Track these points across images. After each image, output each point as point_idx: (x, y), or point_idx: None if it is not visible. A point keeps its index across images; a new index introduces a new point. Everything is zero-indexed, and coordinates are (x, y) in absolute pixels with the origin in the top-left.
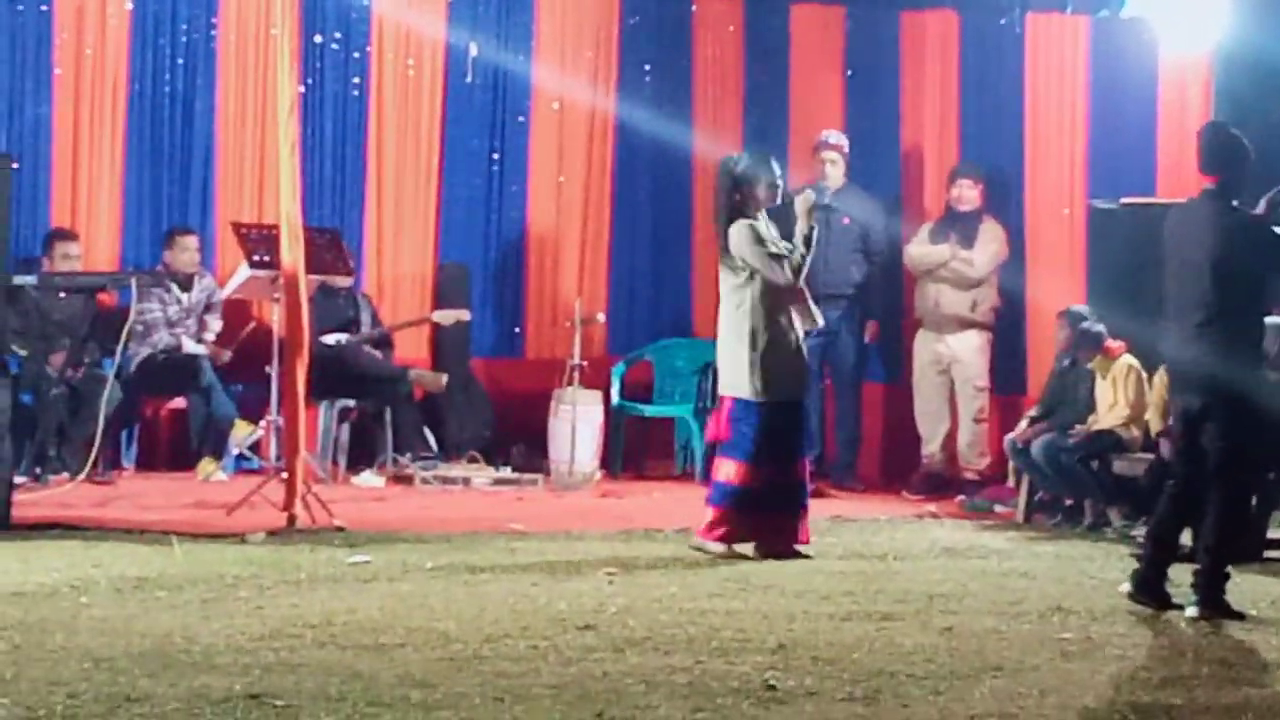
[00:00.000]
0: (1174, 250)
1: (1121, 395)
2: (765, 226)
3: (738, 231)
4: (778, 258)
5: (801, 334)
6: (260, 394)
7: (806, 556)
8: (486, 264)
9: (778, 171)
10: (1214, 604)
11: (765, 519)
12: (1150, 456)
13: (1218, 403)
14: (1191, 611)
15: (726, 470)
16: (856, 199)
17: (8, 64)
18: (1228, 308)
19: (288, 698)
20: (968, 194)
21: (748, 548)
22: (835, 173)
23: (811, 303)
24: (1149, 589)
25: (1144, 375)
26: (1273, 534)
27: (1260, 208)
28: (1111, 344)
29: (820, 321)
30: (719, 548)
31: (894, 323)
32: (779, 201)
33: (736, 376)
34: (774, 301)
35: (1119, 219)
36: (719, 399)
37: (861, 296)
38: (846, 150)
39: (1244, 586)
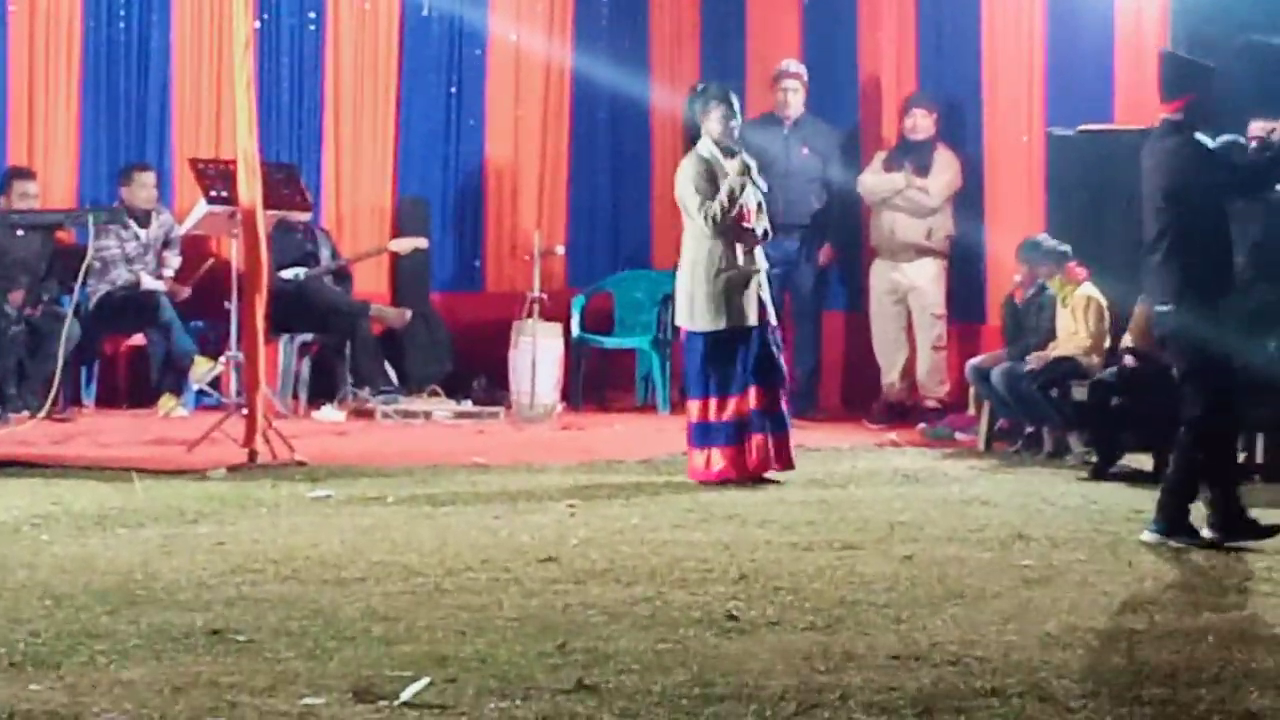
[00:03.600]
0: (1144, 182)
1: (1082, 324)
2: (714, 161)
3: (681, 166)
4: (707, 203)
5: (755, 266)
6: (220, 330)
7: (774, 482)
8: (445, 197)
9: (735, 105)
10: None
11: (733, 446)
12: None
13: (1176, 342)
14: (1148, 536)
15: (690, 409)
16: (815, 129)
17: None
18: (1188, 239)
19: (249, 633)
20: (921, 123)
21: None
22: (795, 101)
23: (756, 250)
24: (1235, 524)
25: (1104, 304)
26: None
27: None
28: (1074, 267)
29: (759, 266)
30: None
31: (852, 252)
32: (735, 136)
33: (680, 306)
34: (718, 233)
35: (1077, 146)
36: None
37: (820, 226)
38: (806, 79)
39: (1204, 512)
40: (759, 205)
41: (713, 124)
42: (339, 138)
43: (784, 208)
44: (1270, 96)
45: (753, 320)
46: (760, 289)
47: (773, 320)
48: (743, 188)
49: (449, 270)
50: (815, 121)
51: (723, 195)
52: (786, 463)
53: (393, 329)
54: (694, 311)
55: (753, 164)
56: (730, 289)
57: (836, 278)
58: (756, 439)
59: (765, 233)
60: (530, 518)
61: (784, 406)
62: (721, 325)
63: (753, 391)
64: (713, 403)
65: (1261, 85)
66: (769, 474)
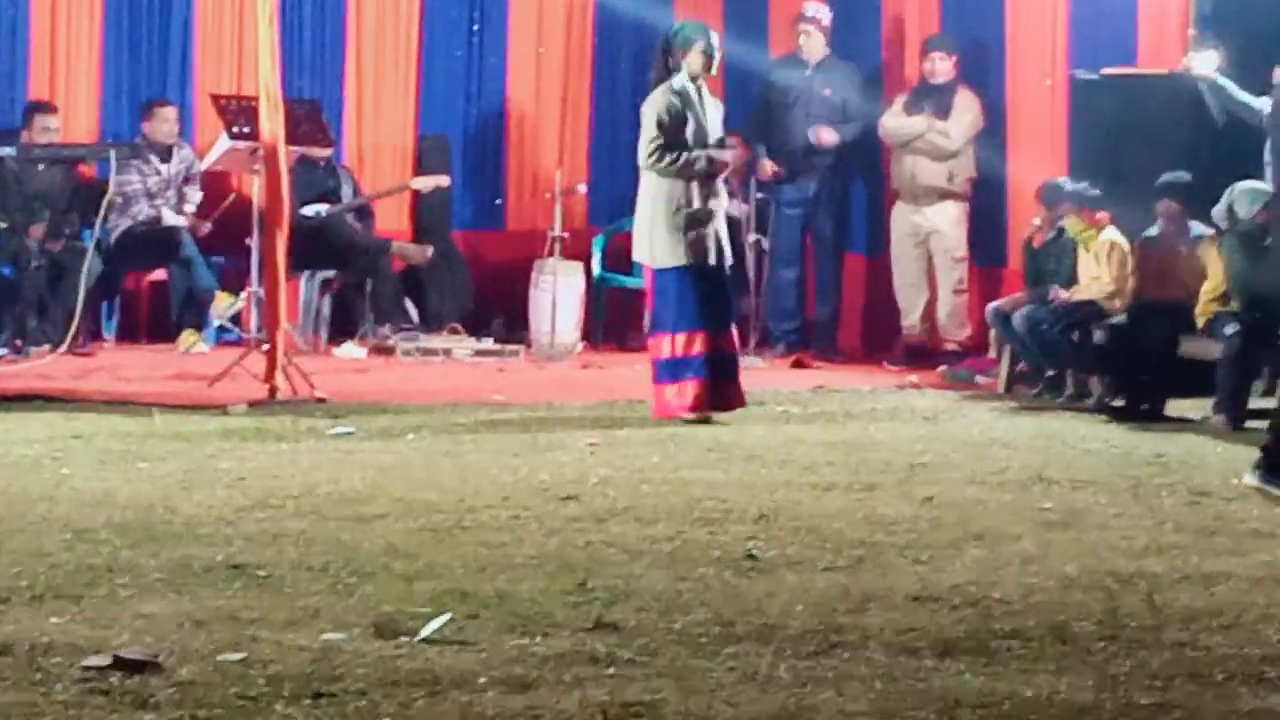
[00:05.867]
0: (1271, 133)
1: (1105, 269)
2: (685, 96)
3: (650, 101)
4: (662, 148)
5: (714, 204)
6: (241, 265)
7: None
8: (467, 135)
9: (715, 42)
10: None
11: (703, 380)
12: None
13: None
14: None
15: (658, 345)
16: (838, 70)
17: None
18: None
19: (270, 568)
20: (941, 66)
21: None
22: (813, 44)
23: (718, 190)
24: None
25: (1126, 248)
26: (1255, 404)
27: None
28: (1092, 213)
29: (718, 206)
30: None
31: (874, 194)
32: (713, 70)
33: (639, 242)
34: (674, 174)
35: (1101, 90)
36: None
37: (840, 168)
38: (826, 23)
39: (1225, 456)
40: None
41: (693, 58)
42: (361, 74)
43: (807, 148)
44: None
45: (711, 259)
46: (719, 229)
47: (728, 262)
48: (708, 163)
49: (470, 208)
50: (838, 63)
51: (700, 164)
52: (740, 401)
53: (414, 266)
54: (654, 248)
55: (721, 108)
56: (690, 226)
57: (858, 220)
58: (706, 378)
59: (726, 164)
60: (550, 456)
61: (736, 347)
62: (685, 261)
63: (709, 330)
64: (680, 339)
65: None
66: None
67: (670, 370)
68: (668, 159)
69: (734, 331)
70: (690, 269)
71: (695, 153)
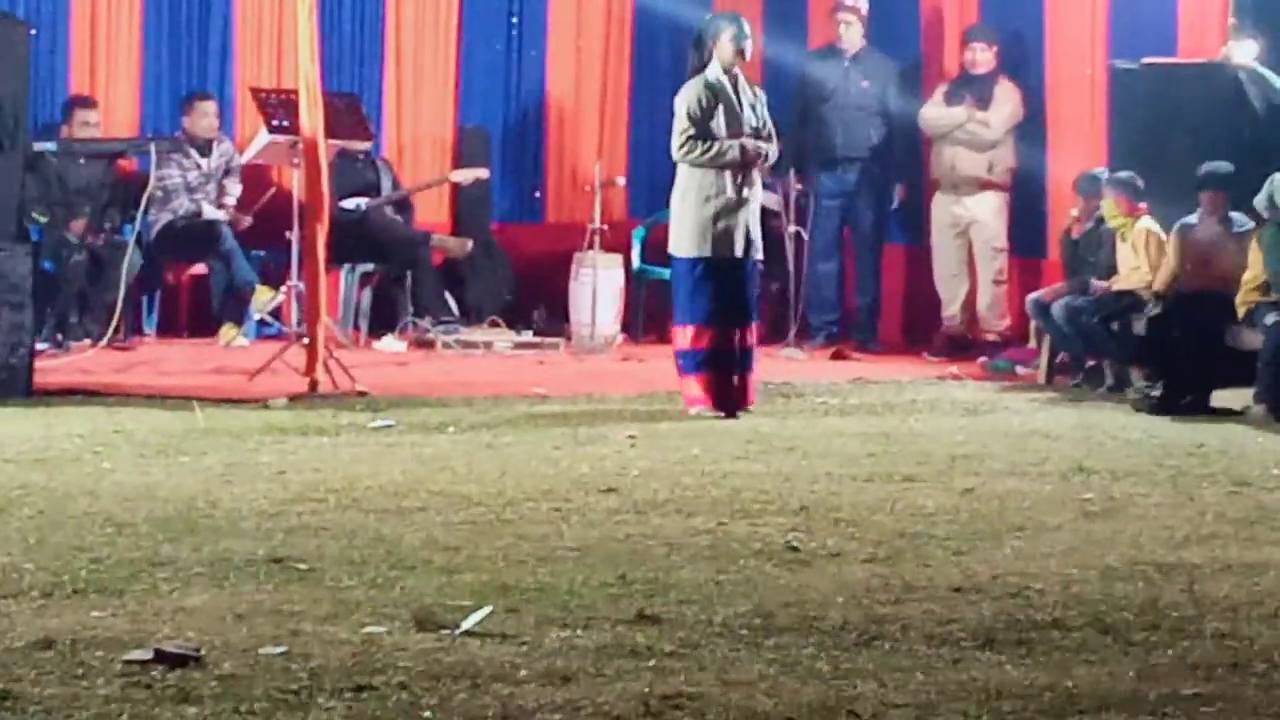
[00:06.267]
0: None
1: (1143, 258)
2: (719, 89)
3: (682, 93)
4: (693, 139)
5: (746, 196)
6: (281, 259)
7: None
8: (506, 128)
9: (746, 29)
10: None
11: (710, 375)
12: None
13: None
14: None
15: (675, 337)
16: (875, 61)
17: None
18: None
19: (311, 561)
20: (981, 57)
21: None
22: (851, 34)
23: (754, 181)
24: None
25: (1164, 237)
26: None
27: None
28: (1131, 201)
29: (752, 197)
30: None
31: (914, 185)
32: (747, 56)
33: (671, 231)
34: (714, 159)
35: (1141, 79)
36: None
37: (879, 159)
38: (864, 12)
39: (1266, 446)
40: (767, 134)
41: (724, 47)
42: (400, 68)
43: (843, 140)
44: None
45: (738, 251)
46: (749, 221)
47: (757, 255)
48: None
49: (510, 201)
50: (875, 54)
51: (733, 153)
52: (746, 401)
53: (453, 259)
54: (681, 237)
55: (762, 97)
56: (718, 217)
57: (896, 211)
58: (715, 372)
59: (765, 156)
60: (590, 448)
61: (752, 343)
62: (706, 253)
63: (722, 325)
64: (693, 330)
65: None
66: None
67: (687, 362)
68: (699, 150)
69: (752, 327)
70: (709, 261)
71: (727, 143)
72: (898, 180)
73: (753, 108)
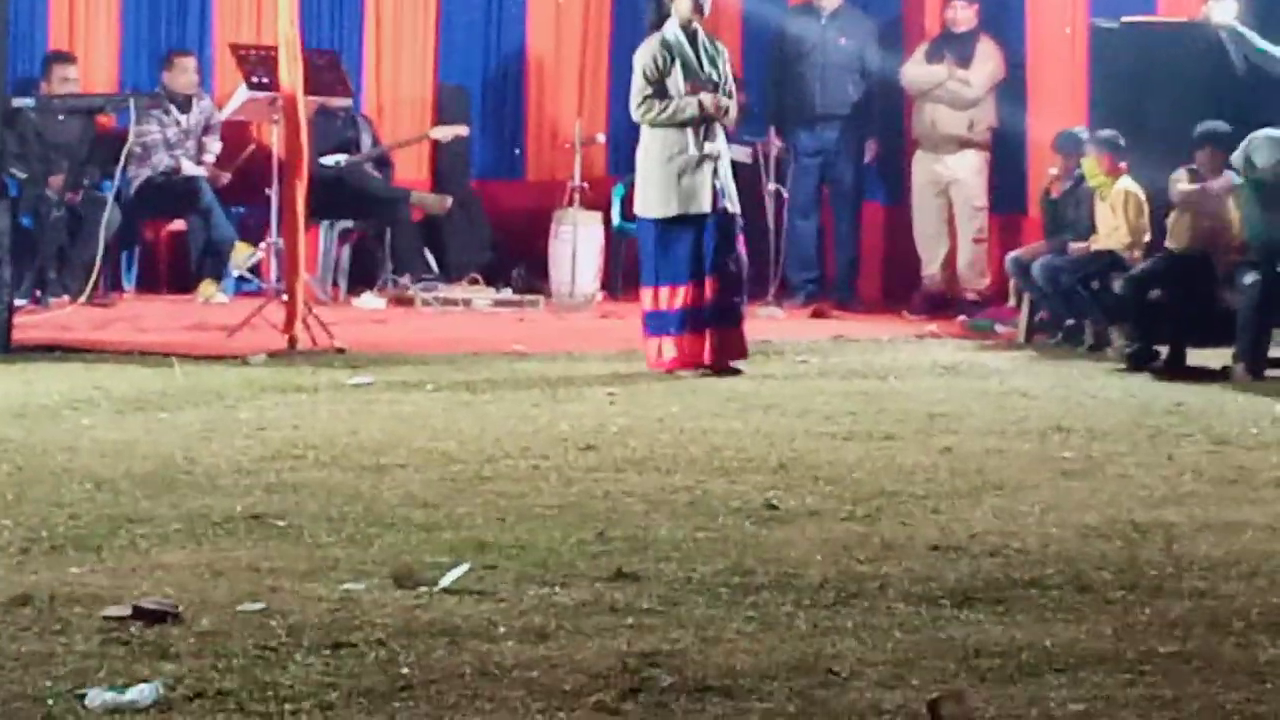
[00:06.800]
0: None
1: (1122, 219)
2: (676, 46)
3: (638, 53)
4: (650, 98)
5: (708, 151)
6: (260, 216)
7: (737, 371)
8: (486, 85)
9: None
10: None
11: (682, 335)
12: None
13: None
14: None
15: (641, 297)
16: (852, 19)
17: None
18: None
19: (290, 518)
20: (962, 15)
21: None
22: None
23: (717, 135)
24: None
25: (1142, 198)
26: (1274, 353)
27: None
28: (1112, 160)
29: (716, 151)
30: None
31: (893, 143)
32: (705, 11)
33: (637, 191)
34: (671, 117)
35: (1121, 38)
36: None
37: (859, 117)
38: None
39: (1244, 405)
40: (727, 90)
41: (682, 3)
42: (380, 24)
43: (821, 98)
44: None
45: (705, 207)
46: (717, 175)
47: (731, 208)
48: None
49: (489, 158)
50: (853, 11)
51: (690, 109)
52: (740, 353)
53: (433, 216)
54: (647, 197)
55: (724, 52)
56: (682, 174)
57: (876, 169)
58: (709, 331)
59: (726, 110)
60: (570, 406)
61: (737, 298)
62: (671, 212)
63: (707, 282)
64: (664, 291)
65: None
66: (733, 364)
67: (651, 324)
68: (656, 109)
69: (731, 280)
70: (674, 220)
71: (685, 100)
72: (875, 138)
73: (713, 63)
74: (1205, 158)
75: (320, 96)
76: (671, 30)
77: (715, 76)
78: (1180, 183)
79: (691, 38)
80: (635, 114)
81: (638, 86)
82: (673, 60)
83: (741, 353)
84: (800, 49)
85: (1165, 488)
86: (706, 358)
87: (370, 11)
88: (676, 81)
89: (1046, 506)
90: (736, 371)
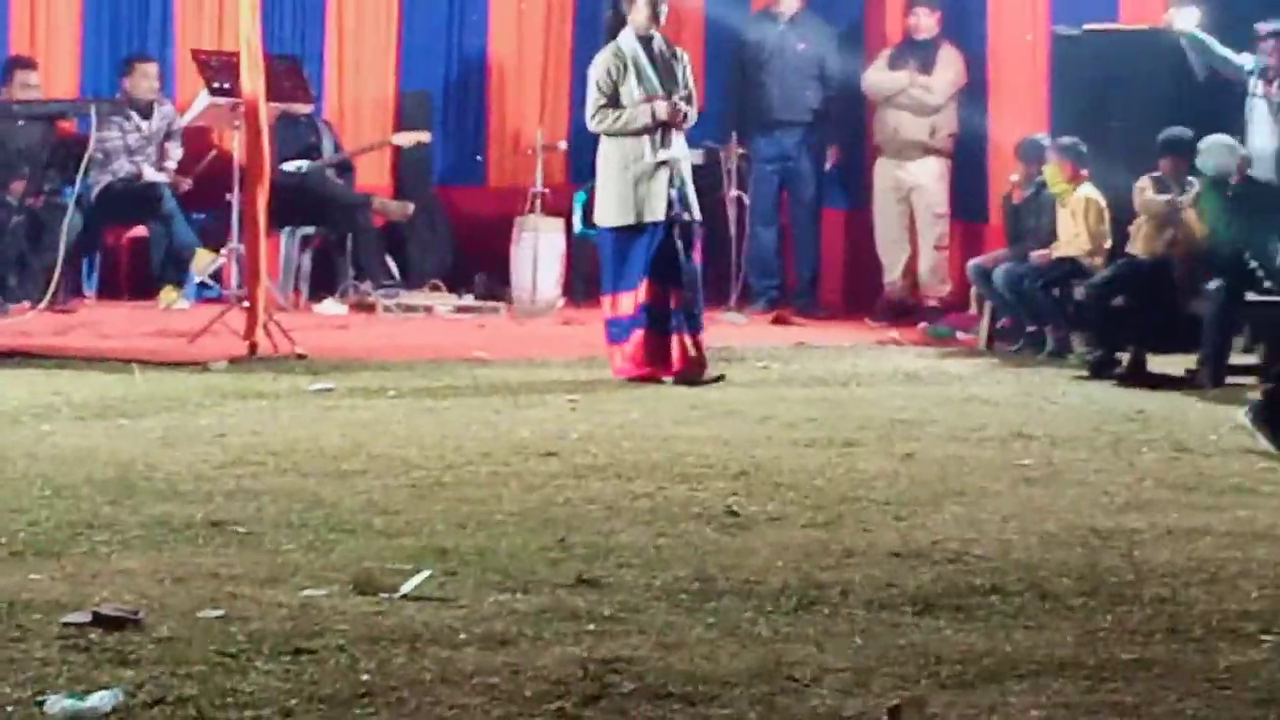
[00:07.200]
0: None
1: (1083, 226)
2: (631, 57)
3: (593, 63)
4: (603, 108)
5: (663, 157)
6: (221, 222)
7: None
8: (448, 91)
9: None
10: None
11: (631, 342)
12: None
13: None
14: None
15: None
16: (812, 25)
17: None
18: None
19: (250, 524)
20: (925, 21)
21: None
22: None
23: (675, 141)
24: (1267, 420)
25: (1103, 205)
26: (1235, 360)
27: None
28: (1072, 167)
29: (673, 156)
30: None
31: (855, 149)
32: (661, 19)
33: (596, 200)
34: (625, 126)
35: (1082, 45)
36: None
37: (819, 123)
38: None
39: (1205, 412)
40: (686, 96)
41: (639, 10)
42: (342, 30)
43: (781, 104)
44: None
45: (658, 215)
46: (673, 183)
47: (691, 215)
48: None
49: (451, 164)
50: (813, 17)
51: (644, 118)
52: (700, 364)
53: (395, 222)
54: (605, 206)
55: (684, 58)
56: (639, 182)
57: (838, 175)
58: (644, 333)
59: (685, 115)
60: (531, 412)
61: (690, 305)
62: (628, 220)
63: (645, 285)
64: (619, 298)
65: None
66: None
67: (614, 331)
68: (610, 119)
69: (686, 289)
70: (634, 228)
71: (639, 108)
72: (836, 144)
73: (671, 70)
74: (1168, 165)
75: (282, 102)
76: (627, 39)
77: (675, 83)
78: (1146, 191)
79: (647, 45)
80: (590, 124)
81: (592, 97)
82: (626, 70)
83: (700, 364)
84: (759, 55)
85: (1126, 494)
86: (671, 366)
87: (332, 17)
88: (631, 91)
89: (1007, 513)
90: (719, 378)
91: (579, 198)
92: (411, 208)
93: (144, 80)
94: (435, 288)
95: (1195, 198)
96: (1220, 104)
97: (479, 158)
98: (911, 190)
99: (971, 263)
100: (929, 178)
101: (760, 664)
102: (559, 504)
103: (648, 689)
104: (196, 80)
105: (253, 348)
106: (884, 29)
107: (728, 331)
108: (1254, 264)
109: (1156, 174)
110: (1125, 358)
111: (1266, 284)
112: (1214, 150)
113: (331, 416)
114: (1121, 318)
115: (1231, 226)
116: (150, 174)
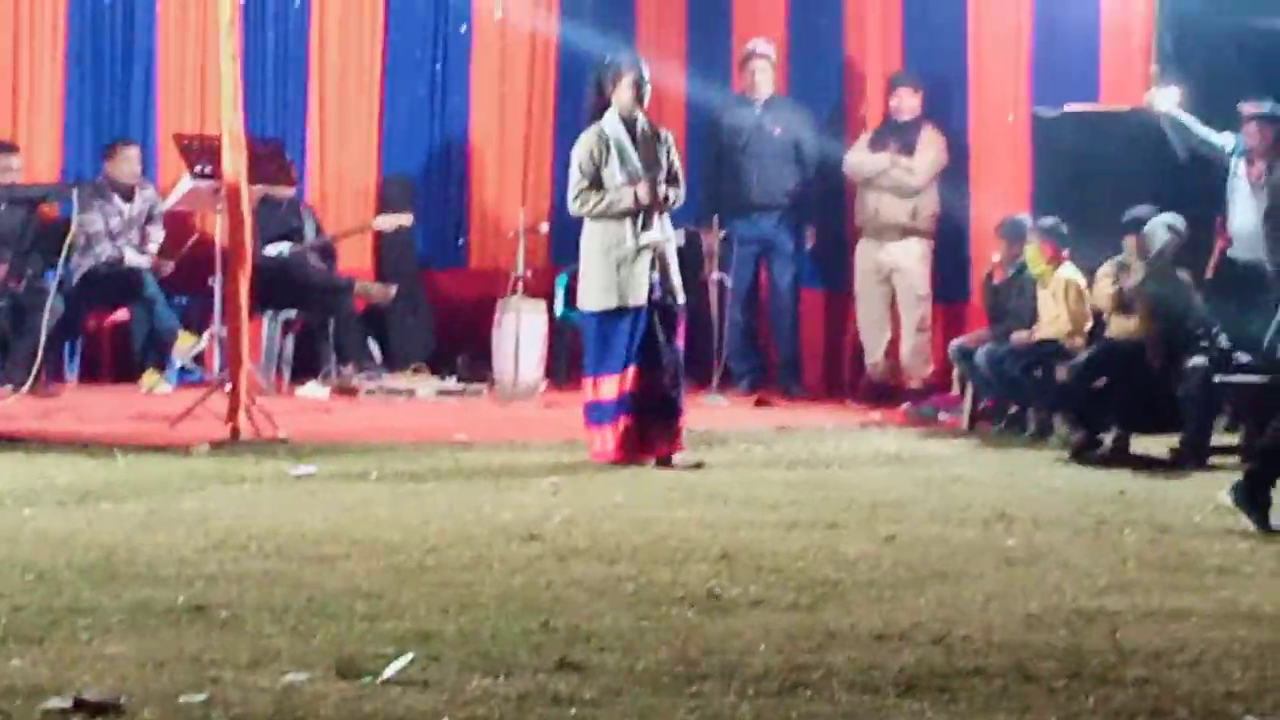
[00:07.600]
0: None
1: (1063, 307)
2: (614, 140)
3: (576, 145)
4: (585, 191)
5: (644, 242)
6: (203, 305)
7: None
8: (430, 174)
9: (646, 73)
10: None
11: (614, 426)
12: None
13: None
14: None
15: (584, 388)
16: (787, 109)
17: None
18: None
19: (232, 608)
20: (907, 103)
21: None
22: (764, 81)
23: (657, 224)
24: (1251, 499)
25: (1083, 285)
26: (1217, 440)
27: None
28: (1052, 248)
29: (654, 240)
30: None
31: (836, 231)
32: (645, 100)
33: (579, 284)
34: (607, 209)
35: (1063, 126)
36: None
37: (797, 206)
38: (774, 59)
39: (1187, 492)
40: (670, 176)
41: (623, 93)
42: (324, 114)
43: (759, 188)
44: (1262, 79)
45: (639, 299)
46: (657, 266)
47: (673, 299)
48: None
49: (433, 247)
50: (787, 101)
51: (625, 201)
52: (673, 447)
53: (377, 305)
54: (587, 290)
55: (668, 139)
56: (620, 265)
57: (817, 256)
58: (626, 420)
59: (667, 198)
60: (513, 495)
61: (670, 389)
62: (610, 304)
63: (630, 372)
64: (600, 382)
65: (1251, 67)
66: (670, 457)
67: (594, 414)
68: (592, 202)
69: (671, 371)
70: (616, 311)
71: (621, 190)
72: (814, 225)
73: (654, 151)
74: (1132, 243)
75: (264, 185)
76: (610, 121)
77: (658, 165)
78: (1100, 283)
79: (631, 127)
80: (571, 207)
81: (574, 180)
82: (609, 151)
83: (668, 447)
84: (736, 140)
85: (1108, 576)
86: (653, 451)
87: (314, 100)
88: (613, 173)
89: (990, 595)
90: (698, 465)
91: (562, 280)
92: (393, 291)
93: (126, 164)
94: (417, 371)
95: (1141, 281)
96: (1201, 184)
97: (461, 241)
98: (893, 272)
99: (954, 343)
100: (911, 259)
101: None
102: (541, 587)
103: None
104: (178, 164)
105: (235, 431)
106: (863, 110)
107: (710, 414)
108: (1227, 344)
109: (1120, 257)
110: (1108, 439)
111: (1244, 359)
112: (1154, 230)
113: (314, 500)
114: (1103, 399)
115: (1162, 298)
116: (132, 258)
